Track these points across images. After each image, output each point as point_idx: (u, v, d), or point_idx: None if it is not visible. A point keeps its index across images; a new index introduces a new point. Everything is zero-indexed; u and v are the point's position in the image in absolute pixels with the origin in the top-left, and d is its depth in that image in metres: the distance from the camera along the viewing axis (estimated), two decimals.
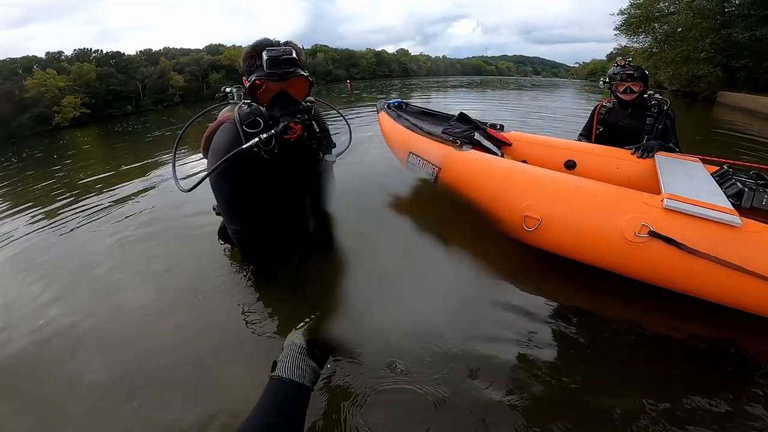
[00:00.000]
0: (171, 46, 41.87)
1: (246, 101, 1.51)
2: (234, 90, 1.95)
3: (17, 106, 24.77)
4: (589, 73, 54.44)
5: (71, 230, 3.06)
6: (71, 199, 4.04)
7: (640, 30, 17.97)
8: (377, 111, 3.34)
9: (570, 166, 2.42)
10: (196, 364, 1.48)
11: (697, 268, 1.45)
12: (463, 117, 2.91)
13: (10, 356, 1.64)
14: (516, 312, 1.66)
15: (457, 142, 2.39)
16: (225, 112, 1.81)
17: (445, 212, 2.53)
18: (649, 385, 1.30)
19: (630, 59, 2.54)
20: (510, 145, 2.71)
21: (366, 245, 2.17)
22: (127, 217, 3.16)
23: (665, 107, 2.43)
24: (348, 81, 39.92)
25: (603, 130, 2.69)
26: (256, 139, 1.33)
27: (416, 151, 2.56)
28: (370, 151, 4.54)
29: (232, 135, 1.40)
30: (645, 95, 2.48)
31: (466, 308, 1.69)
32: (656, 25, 17.30)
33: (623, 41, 19.59)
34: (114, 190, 4.20)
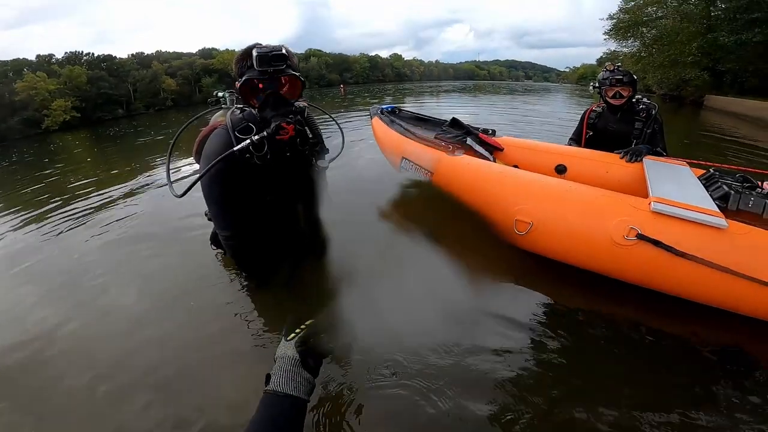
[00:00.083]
0: (163, 50, 41.75)
1: (239, 106, 1.51)
2: (227, 94, 1.95)
3: (7, 110, 24.44)
4: (580, 78, 55.22)
5: (59, 234, 3.02)
6: (61, 203, 3.99)
7: (628, 34, 18.27)
8: (370, 116, 3.36)
9: (560, 170, 2.45)
10: (186, 368, 1.47)
11: (684, 270, 1.48)
12: (455, 122, 2.94)
13: None
14: (512, 314, 1.67)
15: (450, 148, 2.40)
16: (217, 117, 1.80)
17: (441, 215, 2.54)
18: (648, 386, 1.32)
19: (619, 64, 2.58)
20: (502, 150, 2.74)
21: (359, 250, 2.17)
22: (117, 221, 3.13)
23: (653, 112, 2.47)
24: (341, 86, 39.99)
25: (593, 134, 2.73)
26: (248, 141, 1.32)
27: (409, 156, 2.58)
28: (363, 155, 4.56)
29: (224, 140, 1.40)
30: (633, 100, 2.52)
31: (461, 312, 1.69)
32: (644, 29, 17.60)
33: (612, 46, 19.95)
34: (104, 194, 4.16)
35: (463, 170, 2.24)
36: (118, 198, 3.91)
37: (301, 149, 1.54)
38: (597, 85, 2.59)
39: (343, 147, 1.93)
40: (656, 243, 1.49)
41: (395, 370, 1.37)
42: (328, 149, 1.73)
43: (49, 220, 3.41)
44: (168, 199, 3.09)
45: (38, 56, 31.49)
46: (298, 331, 0.90)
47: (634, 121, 2.51)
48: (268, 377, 0.84)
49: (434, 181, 2.46)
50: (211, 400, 1.32)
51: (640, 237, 1.51)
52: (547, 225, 1.78)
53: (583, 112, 2.82)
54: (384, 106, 3.39)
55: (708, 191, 1.76)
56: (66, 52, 32.68)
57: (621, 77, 2.44)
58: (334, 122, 2.24)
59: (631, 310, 1.66)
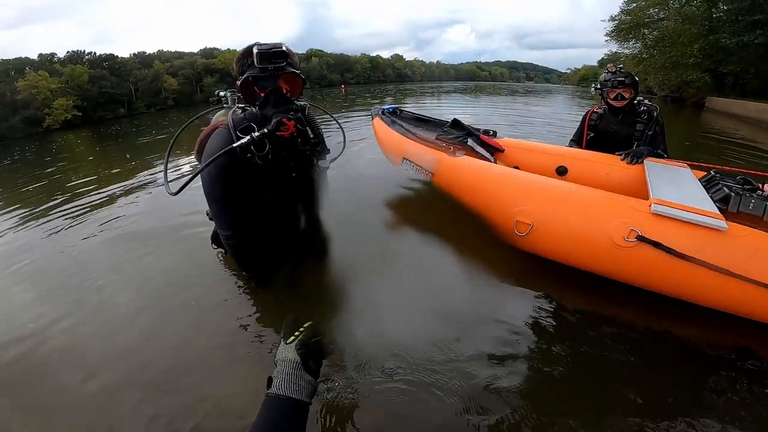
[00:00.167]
0: (165, 49, 41.81)
1: (240, 105, 1.52)
2: (228, 94, 1.96)
3: (8, 108, 24.52)
4: (581, 79, 55.21)
5: (59, 232, 3.03)
6: (61, 201, 4.00)
7: (630, 36, 18.26)
8: (372, 117, 3.37)
9: (561, 172, 2.45)
10: (185, 367, 1.47)
11: (684, 271, 1.48)
12: (456, 123, 2.94)
13: None
14: (513, 315, 1.67)
15: (450, 149, 2.41)
16: (219, 117, 1.81)
17: (442, 216, 2.54)
18: (650, 387, 1.32)
19: (621, 65, 2.58)
20: (503, 151, 2.74)
21: (359, 250, 2.17)
22: (117, 219, 3.14)
23: (655, 113, 2.47)
24: (342, 86, 40.00)
25: (594, 135, 2.72)
26: (248, 137, 1.32)
27: (410, 157, 2.58)
28: (364, 155, 4.56)
29: (225, 140, 1.41)
30: (635, 101, 2.52)
31: (462, 313, 1.69)
32: (646, 30, 17.59)
33: (614, 47, 19.92)
34: (105, 192, 4.17)
35: (464, 171, 2.24)
36: (119, 196, 3.93)
37: (302, 149, 1.55)
38: (599, 86, 2.59)
39: (344, 147, 1.93)
40: (656, 245, 1.49)
41: (396, 371, 1.37)
42: (329, 149, 1.73)
43: (50, 218, 3.42)
44: (168, 197, 3.08)
45: (40, 55, 31.63)
46: (297, 333, 0.89)
47: (636, 123, 2.51)
48: (269, 380, 0.84)
49: (435, 182, 2.46)
50: (211, 400, 1.32)
51: (641, 239, 1.51)
52: (547, 226, 1.78)
53: (584, 113, 2.82)
54: (385, 107, 3.39)
55: (708, 193, 1.76)
56: (68, 51, 32.83)
57: (623, 79, 2.44)
58: (335, 122, 2.25)
59: (632, 312, 1.66)
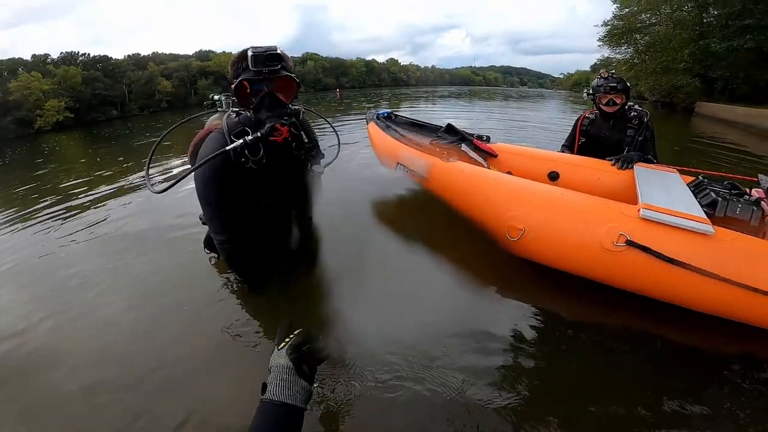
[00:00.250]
0: (160, 51, 41.58)
1: (234, 109, 1.52)
2: (222, 98, 1.96)
3: (0, 109, 24.21)
4: (574, 84, 55.73)
5: (49, 233, 3.01)
6: (52, 202, 3.98)
7: (622, 41, 18.47)
8: (366, 121, 3.38)
9: (553, 177, 2.48)
10: (178, 372, 1.47)
11: (672, 275, 1.50)
12: (450, 128, 2.97)
13: None
14: (506, 320, 1.69)
15: (444, 154, 2.43)
16: (213, 120, 1.81)
17: (436, 221, 2.56)
18: (648, 389, 1.34)
19: (613, 71, 2.61)
20: (496, 156, 2.77)
21: (353, 255, 2.19)
22: (109, 222, 3.12)
23: (645, 119, 2.51)
24: (338, 90, 40.09)
25: (585, 141, 2.76)
26: (241, 141, 1.33)
27: (404, 162, 2.60)
28: (359, 159, 4.58)
29: (220, 145, 1.41)
30: (626, 107, 2.56)
31: (456, 317, 1.70)
32: (638, 36, 17.81)
33: (606, 52, 20.14)
34: (97, 195, 4.14)
35: (458, 176, 2.26)
36: (110, 198, 3.90)
37: (297, 154, 1.55)
38: (591, 92, 2.62)
39: (338, 152, 1.94)
40: (645, 249, 1.51)
41: (390, 374, 1.38)
42: (323, 154, 1.74)
43: (40, 219, 3.40)
44: (162, 201, 3.08)
45: (34, 56, 31.28)
46: (287, 339, 0.90)
47: (626, 129, 2.54)
48: (264, 386, 0.84)
49: (429, 187, 2.48)
50: (204, 404, 1.32)
51: (630, 243, 1.54)
52: (539, 231, 1.80)
53: (576, 118, 2.86)
54: (380, 112, 3.41)
55: (696, 198, 1.80)
56: (62, 52, 32.53)
57: (615, 84, 2.47)
58: (329, 126, 2.26)
59: (626, 316, 1.69)
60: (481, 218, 2.07)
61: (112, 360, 1.55)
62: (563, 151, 2.84)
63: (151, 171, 1.52)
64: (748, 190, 1.92)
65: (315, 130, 1.71)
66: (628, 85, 2.52)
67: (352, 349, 1.46)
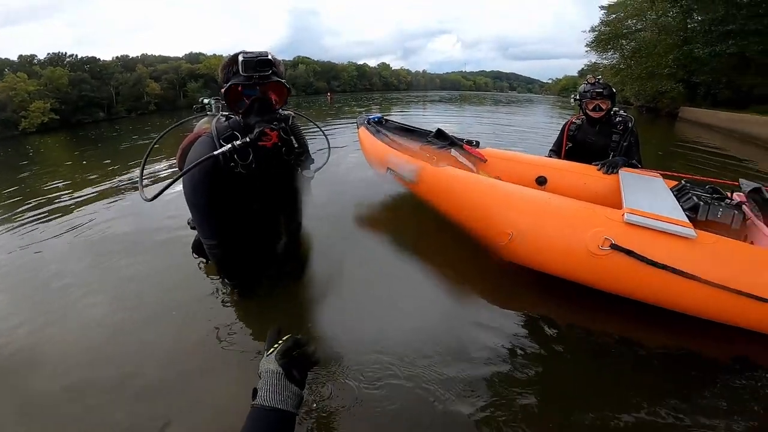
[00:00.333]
0: (149, 53, 41.14)
1: (224, 113, 1.52)
2: (212, 101, 1.95)
3: None
4: (562, 89, 56.68)
5: (31, 234, 2.97)
6: (36, 205, 3.90)
7: (609, 47, 18.88)
8: (357, 126, 3.39)
9: (541, 182, 2.52)
10: (165, 377, 1.45)
11: (656, 278, 1.53)
12: (440, 133, 2.99)
13: None
14: (495, 324, 1.70)
15: (434, 159, 2.45)
16: (202, 124, 1.80)
17: (425, 225, 2.57)
18: (637, 392, 1.36)
19: (599, 76, 2.66)
20: (485, 161, 2.80)
21: (342, 259, 2.18)
22: (95, 227, 3.06)
23: (630, 124, 2.57)
24: (329, 93, 40.12)
25: (572, 146, 2.81)
26: (229, 146, 1.33)
27: (394, 167, 2.61)
28: (349, 164, 4.58)
29: (208, 149, 1.40)
30: (611, 112, 2.61)
31: (445, 322, 1.72)
32: (624, 41, 18.20)
33: (594, 57, 20.56)
34: (82, 198, 4.07)
35: (447, 181, 2.28)
36: (95, 201, 3.85)
37: (287, 159, 1.55)
38: (578, 97, 2.67)
39: (328, 157, 1.94)
40: (629, 253, 1.54)
41: (381, 379, 1.37)
42: (313, 159, 1.74)
43: (22, 222, 3.34)
44: (149, 205, 3.02)
45: (20, 56, 30.78)
46: (276, 345, 0.89)
47: (612, 134, 2.59)
48: (254, 392, 0.84)
49: (418, 192, 2.49)
50: (194, 409, 1.31)
51: (614, 247, 1.57)
52: (527, 236, 1.82)
53: (563, 123, 2.90)
54: (371, 116, 3.43)
55: (679, 202, 1.84)
56: (48, 53, 32.02)
57: (601, 90, 2.52)
58: (320, 131, 2.26)
59: (617, 320, 1.71)
60: (470, 223, 2.09)
61: (103, 366, 1.52)
62: (551, 156, 2.88)
63: (138, 175, 1.51)
64: (729, 194, 1.97)
65: (305, 135, 1.71)
66: (614, 90, 2.57)
67: (341, 354, 1.46)
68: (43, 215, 3.48)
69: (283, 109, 1.49)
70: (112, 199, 3.88)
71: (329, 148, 2.03)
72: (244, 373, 1.39)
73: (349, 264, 2.15)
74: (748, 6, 12.01)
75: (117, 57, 37.00)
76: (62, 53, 32.67)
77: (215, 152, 1.32)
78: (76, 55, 33.39)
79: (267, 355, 0.88)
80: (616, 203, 1.86)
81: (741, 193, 1.96)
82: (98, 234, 2.87)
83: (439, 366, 1.43)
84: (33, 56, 31.35)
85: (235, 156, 1.39)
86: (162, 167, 4.92)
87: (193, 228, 1.81)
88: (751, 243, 1.71)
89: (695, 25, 15.08)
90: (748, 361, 1.49)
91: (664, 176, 2.26)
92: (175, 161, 1.76)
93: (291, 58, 59.43)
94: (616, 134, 2.58)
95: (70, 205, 3.80)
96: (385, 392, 1.32)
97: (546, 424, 1.23)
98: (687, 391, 1.36)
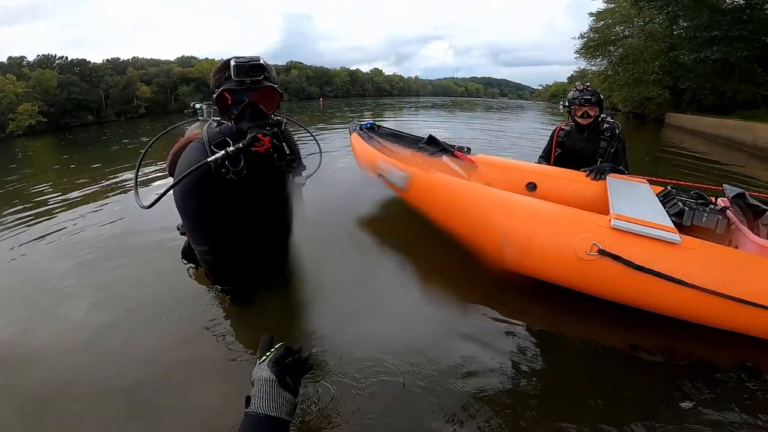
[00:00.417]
0: (140, 56, 40.78)
1: (216, 119, 1.51)
2: (204, 106, 1.94)
3: None
4: (551, 96, 57.44)
5: (18, 237, 2.94)
6: (23, 208, 3.85)
7: (597, 53, 19.22)
8: (349, 132, 3.41)
9: (531, 188, 2.55)
10: (156, 384, 1.44)
11: (642, 282, 1.56)
12: (432, 140, 3.02)
13: None
14: (485, 330, 1.71)
15: (425, 165, 2.47)
16: (193, 129, 1.78)
17: (415, 232, 2.58)
18: (626, 395, 1.38)
19: (588, 83, 2.71)
20: (476, 167, 2.83)
21: (333, 266, 2.18)
22: (83, 232, 3.02)
23: (617, 131, 2.61)
24: (321, 99, 40.20)
25: (561, 152, 2.85)
26: (222, 152, 1.32)
27: (385, 173, 2.62)
28: (340, 169, 4.60)
29: (200, 155, 1.39)
30: (599, 119, 2.65)
31: (437, 328, 1.73)
32: (612, 48, 18.55)
33: (583, 64, 20.93)
34: (70, 204, 4.00)
35: (438, 188, 2.29)
36: (86, 208, 3.78)
37: (278, 165, 1.55)
38: (567, 104, 2.71)
39: (320, 163, 1.94)
40: (616, 258, 1.57)
41: (370, 383, 1.37)
42: (305, 165, 1.74)
43: (8, 225, 3.30)
44: (138, 210, 2.98)
45: (10, 58, 30.39)
46: (269, 353, 0.89)
47: (600, 140, 2.64)
48: (248, 399, 0.84)
49: (409, 198, 2.51)
50: (180, 418, 1.29)
51: (602, 252, 1.60)
52: (517, 241, 1.84)
53: (552, 130, 2.95)
54: (363, 122, 3.45)
55: (665, 207, 1.88)
56: (38, 55, 31.63)
57: (589, 97, 2.56)
58: (311, 137, 2.27)
59: (605, 324, 1.73)
60: (461, 230, 2.10)
61: (92, 374, 1.50)
62: (540, 162, 2.93)
63: (129, 182, 1.50)
64: (713, 200, 2.02)
65: (297, 141, 1.71)
66: (602, 97, 2.62)
67: (330, 361, 1.46)
68: (29, 218, 3.43)
69: (274, 115, 1.49)
70: (100, 203, 3.84)
71: (320, 153, 2.03)
72: (236, 380, 1.37)
73: (340, 270, 2.15)
74: (732, 12, 12.26)
75: (107, 59, 36.68)
76: (52, 55, 32.35)
77: (208, 159, 1.31)
78: (66, 57, 33.06)
79: (260, 363, 0.88)
80: (604, 209, 1.89)
81: (725, 198, 2.01)
82: (85, 238, 2.84)
83: (431, 371, 1.43)
84: (22, 58, 30.99)
85: (227, 162, 1.39)
86: (152, 172, 4.86)
87: (183, 234, 1.80)
88: (736, 247, 1.75)
89: (681, 31, 15.35)
90: (747, 363, 1.52)
91: (651, 182, 2.31)
92: (164, 165, 1.74)
93: (284, 63, 59.46)
94: (603, 141, 2.63)
95: (58, 208, 3.76)
96: (375, 397, 1.32)
97: (548, 420, 1.25)
98: (681, 391, 1.38)
